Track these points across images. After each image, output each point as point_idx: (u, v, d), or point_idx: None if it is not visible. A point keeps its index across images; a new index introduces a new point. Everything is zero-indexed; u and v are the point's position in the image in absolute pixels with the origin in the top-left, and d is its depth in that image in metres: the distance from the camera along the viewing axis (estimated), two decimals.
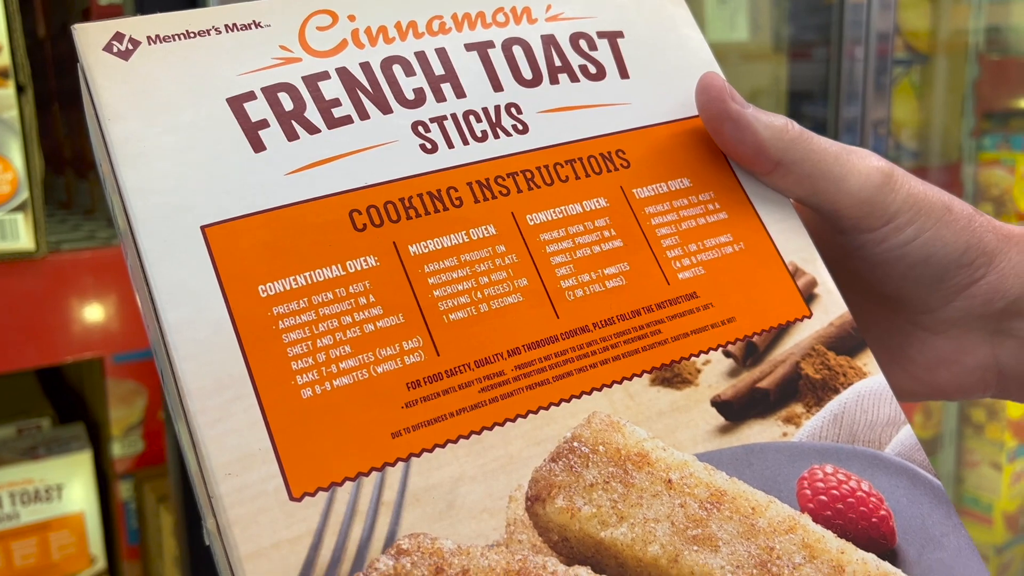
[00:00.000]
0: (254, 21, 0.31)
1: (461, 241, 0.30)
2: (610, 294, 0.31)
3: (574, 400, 0.29)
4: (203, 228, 0.28)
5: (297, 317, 0.27)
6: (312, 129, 0.30)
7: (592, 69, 0.34)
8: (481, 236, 0.30)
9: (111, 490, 0.83)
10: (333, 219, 0.29)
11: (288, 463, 0.25)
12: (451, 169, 0.31)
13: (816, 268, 0.34)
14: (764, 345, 0.32)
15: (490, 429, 0.27)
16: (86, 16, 0.74)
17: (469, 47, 0.33)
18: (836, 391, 0.32)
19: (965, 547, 0.30)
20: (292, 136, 0.30)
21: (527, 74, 0.33)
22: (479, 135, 0.32)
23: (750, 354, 0.31)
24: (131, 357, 0.81)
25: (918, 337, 0.37)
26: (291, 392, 0.26)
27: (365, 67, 0.31)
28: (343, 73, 0.31)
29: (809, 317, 0.33)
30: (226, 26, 0.31)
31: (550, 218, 0.31)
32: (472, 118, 0.32)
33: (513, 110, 0.33)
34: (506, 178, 0.31)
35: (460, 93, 0.32)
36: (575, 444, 0.28)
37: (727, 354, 0.31)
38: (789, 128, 0.33)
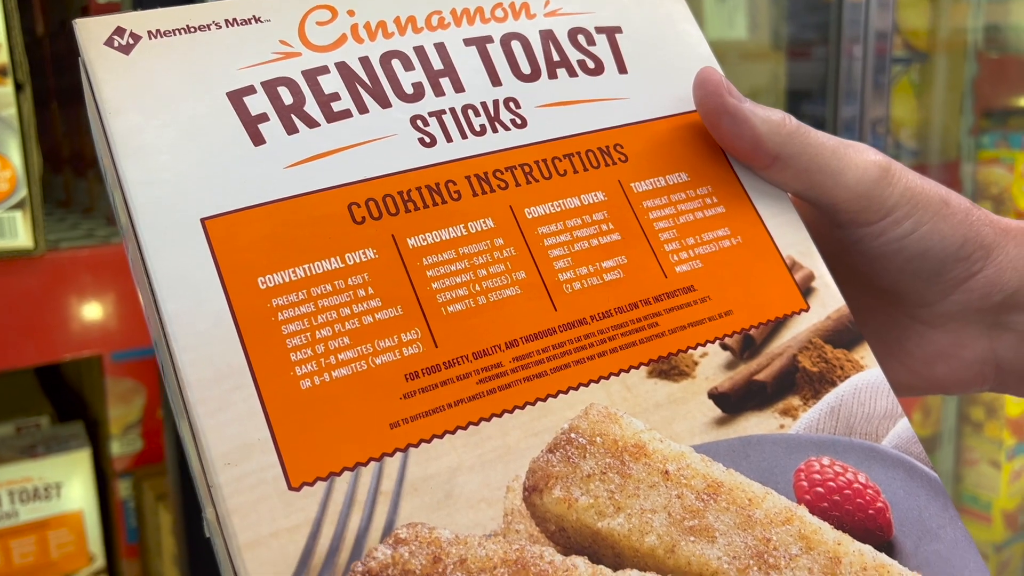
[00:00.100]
0: (254, 16, 0.31)
1: (459, 234, 0.30)
2: (608, 287, 0.31)
3: (571, 392, 0.29)
4: (203, 220, 0.28)
5: (296, 309, 0.27)
6: (311, 123, 0.30)
7: (590, 64, 0.35)
8: (479, 229, 0.30)
9: (110, 488, 0.83)
10: (332, 212, 0.29)
11: (287, 453, 0.25)
12: (450, 163, 0.31)
13: (813, 262, 0.34)
14: (761, 338, 0.32)
15: (488, 420, 0.28)
16: (85, 13, 0.74)
17: (468, 42, 0.33)
18: (833, 384, 0.32)
19: (962, 539, 0.30)
20: (292, 130, 0.30)
21: (525, 69, 0.33)
22: (478, 129, 0.32)
23: (747, 347, 0.32)
24: (130, 355, 0.81)
25: (916, 331, 0.37)
26: (290, 383, 0.26)
27: (364, 62, 0.32)
28: (342, 67, 0.31)
29: (806, 310, 0.33)
30: (226, 21, 0.31)
31: (548, 211, 0.31)
32: (471, 112, 0.32)
33: (512, 104, 0.33)
34: (504, 172, 0.31)
35: (459, 87, 0.32)
36: (572, 435, 0.28)
37: (724, 347, 0.31)
38: (786, 122, 0.33)
